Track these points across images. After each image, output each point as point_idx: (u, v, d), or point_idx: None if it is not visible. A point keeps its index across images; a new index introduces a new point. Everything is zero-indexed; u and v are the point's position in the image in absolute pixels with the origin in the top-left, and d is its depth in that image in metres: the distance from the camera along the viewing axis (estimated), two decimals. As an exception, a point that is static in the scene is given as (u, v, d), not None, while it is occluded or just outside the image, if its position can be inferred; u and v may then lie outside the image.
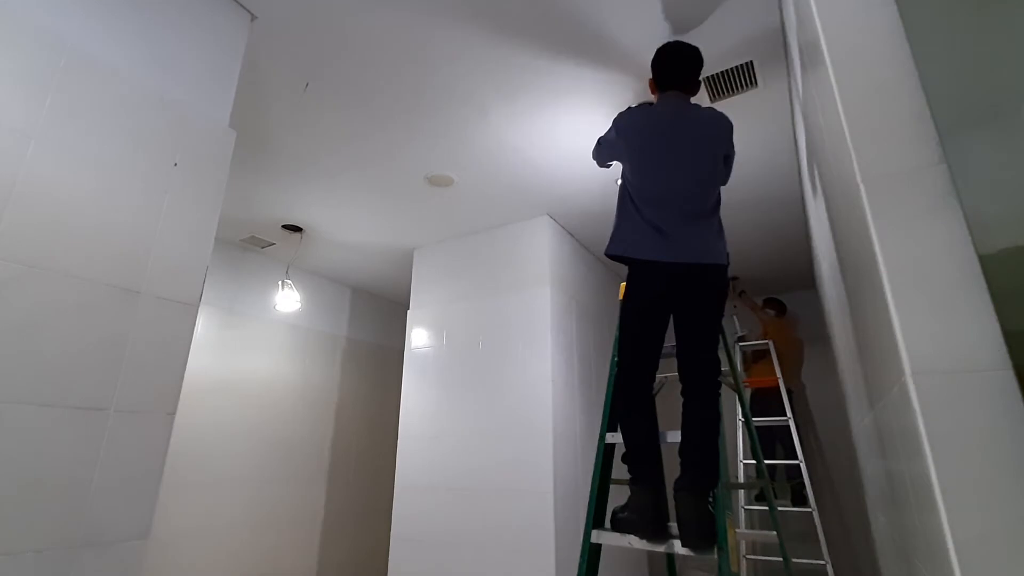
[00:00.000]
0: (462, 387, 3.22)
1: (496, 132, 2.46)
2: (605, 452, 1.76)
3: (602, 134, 1.91)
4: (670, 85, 1.74)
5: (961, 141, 0.76)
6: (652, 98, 1.84)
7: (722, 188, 1.74)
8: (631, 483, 1.58)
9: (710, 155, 1.67)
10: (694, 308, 1.62)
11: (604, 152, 1.91)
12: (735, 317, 4.51)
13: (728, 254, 1.65)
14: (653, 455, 1.58)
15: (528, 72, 2.08)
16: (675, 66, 1.74)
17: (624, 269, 1.72)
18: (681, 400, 1.61)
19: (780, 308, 4.20)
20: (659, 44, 1.93)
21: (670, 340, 1.69)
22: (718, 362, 1.62)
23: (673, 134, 1.67)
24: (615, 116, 1.81)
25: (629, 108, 1.81)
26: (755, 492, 3.88)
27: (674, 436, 1.61)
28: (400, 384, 3.52)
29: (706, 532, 1.42)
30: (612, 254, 1.69)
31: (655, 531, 1.50)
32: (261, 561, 3.57)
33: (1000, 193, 0.72)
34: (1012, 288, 0.68)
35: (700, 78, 1.79)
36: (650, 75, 1.79)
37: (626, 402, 1.66)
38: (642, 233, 1.63)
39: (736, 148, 2.57)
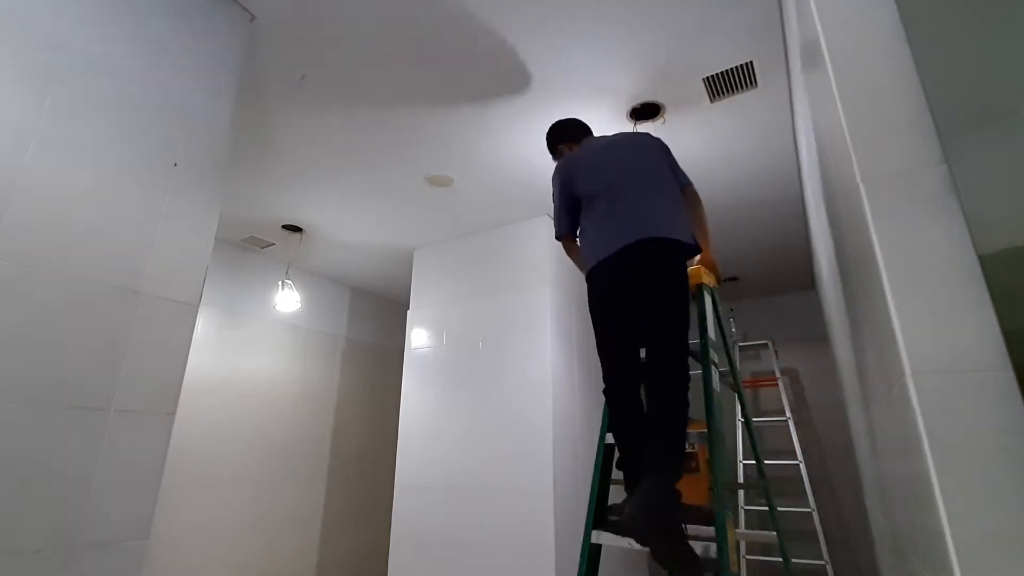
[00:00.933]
0: (462, 387, 3.22)
1: (497, 132, 2.46)
2: (605, 452, 1.76)
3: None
4: (580, 137, 1.93)
5: (961, 141, 0.76)
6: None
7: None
8: (626, 488, 1.57)
9: (647, 154, 1.73)
10: (643, 289, 1.57)
11: (558, 211, 1.85)
12: (732, 319, 4.51)
13: (690, 238, 1.61)
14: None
15: (529, 73, 2.08)
16: (576, 125, 1.96)
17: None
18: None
19: None
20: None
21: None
22: (680, 346, 1.54)
23: (604, 151, 1.77)
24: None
25: (560, 162, 1.89)
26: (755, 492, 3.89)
27: (692, 436, 1.59)
28: (400, 384, 3.52)
29: (649, 523, 1.29)
30: (588, 276, 1.69)
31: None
32: (261, 561, 3.57)
33: (1000, 193, 0.72)
34: (1012, 288, 0.68)
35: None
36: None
37: (613, 408, 1.65)
38: (589, 247, 1.67)
39: (736, 148, 2.59)
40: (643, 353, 1.65)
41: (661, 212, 1.60)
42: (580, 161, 1.79)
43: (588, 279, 1.68)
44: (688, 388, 1.52)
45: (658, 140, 1.81)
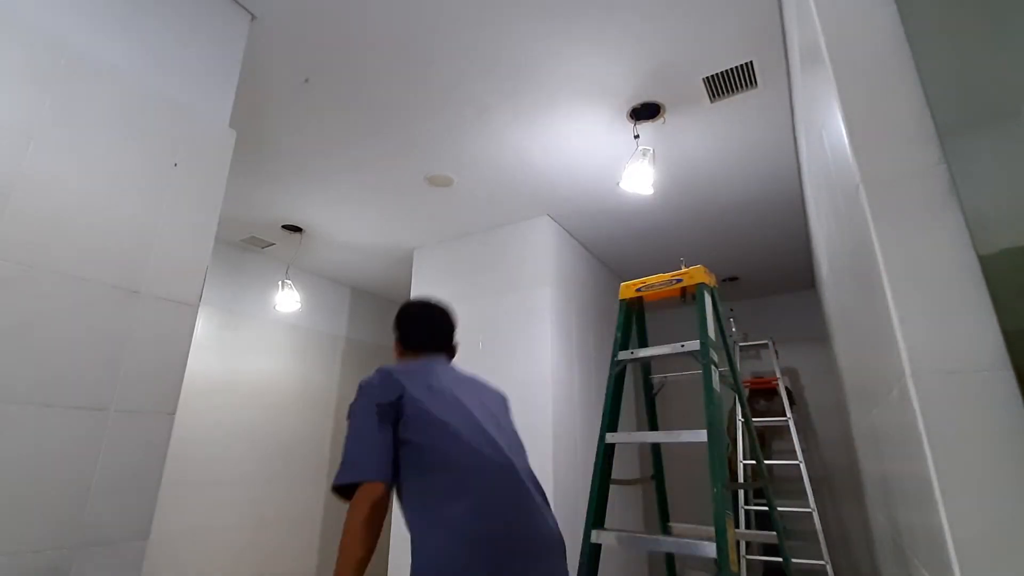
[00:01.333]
0: (462, 387, 3.22)
1: (496, 132, 2.46)
2: (605, 452, 1.76)
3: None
4: (425, 349, 1.47)
5: (961, 141, 0.76)
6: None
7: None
8: None
9: (509, 422, 1.45)
10: None
11: (367, 441, 1.21)
12: (732, 319, 4.51)
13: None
14: None
15: (529, 72, 2.08)
16: (433, 329, 1.50)
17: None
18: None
19: None
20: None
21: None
22: None
23: (463, 393, 1.36)
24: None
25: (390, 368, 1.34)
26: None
27: (692, 436, 1.58)
28: (400, 384, 3.51)
29: None
30: None
31: None
32: (261, 561, 3.57)
33: (1000, 193, 0.73)
34: (1012, 288, 0.68)
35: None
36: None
37: None
38: (472, 542, 1.13)
39: (736, 148, 2.59)
40: None
41: (551, 520, 1.26)
42: (427, 393, 1.29)
43: None
44: None
45: (506, 403, 1.51)
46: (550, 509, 1.29)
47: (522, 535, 1.17)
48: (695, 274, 1.95)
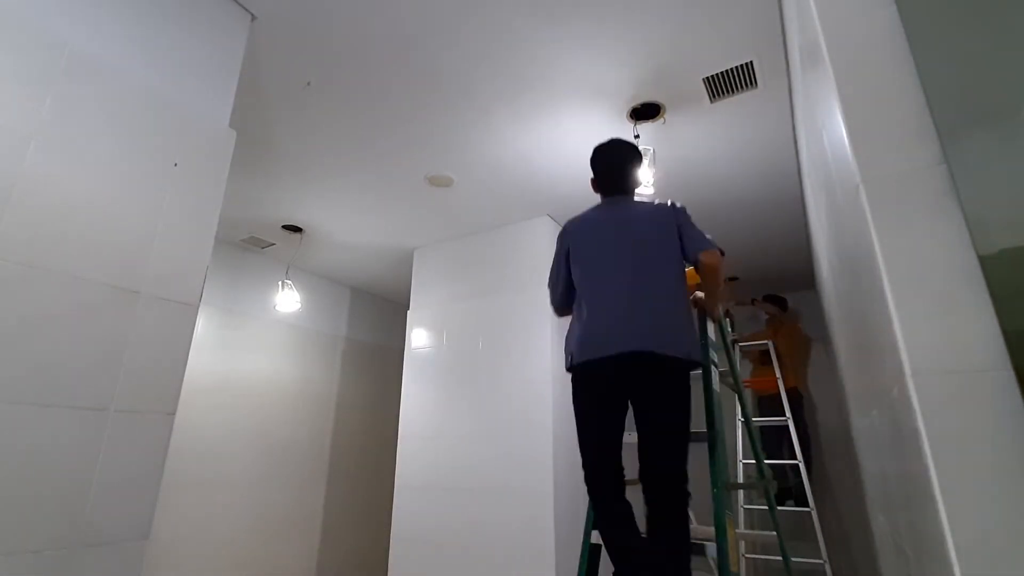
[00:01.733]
0: (462, 387, 3.22)
1: (496, 132, 2.46)
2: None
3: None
4: (609, 190, 1.75)
5: (961, 141, 0.76)
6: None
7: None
8: None
9: (659, 247, 1.60)
10: (645, 403, 1.49)
11: (554, 278, 1.77)
12: (728, 318, 4.50)
13: (696, 350, 1.53)
14: (638, 556, 1.44)
15: (529, 73, 2.08)
16: (612, 171, 1.74)
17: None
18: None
19: (782, 304, 4.18)
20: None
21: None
22: (681, 473, 1.46)
23: (616, 235, 1.63)
24: (559, 235, 1.78)
25: (569, 220, 1.77)
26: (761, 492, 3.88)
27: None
28: (400, 384, 3.51)
29: None
30: (568, 369, 1.60)
31: None
32: (261, 561, 3.57)
33: (1000, 193, 0.73)
34: (1012, 288, 0.68)
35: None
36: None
37: (597, 506, 1.54)
38: (583, 337, 1.55)
39: (736, 148, 2.58)
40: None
41: (670, 324, 1.49)
42: (585, 234, 1.68)
43: (576, 376, 1.57)
44: (688, 520, 1.45)
45: (672, 213, 1.64)
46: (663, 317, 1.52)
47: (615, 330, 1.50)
48: (695, 274, 1.95)
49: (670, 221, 1.63)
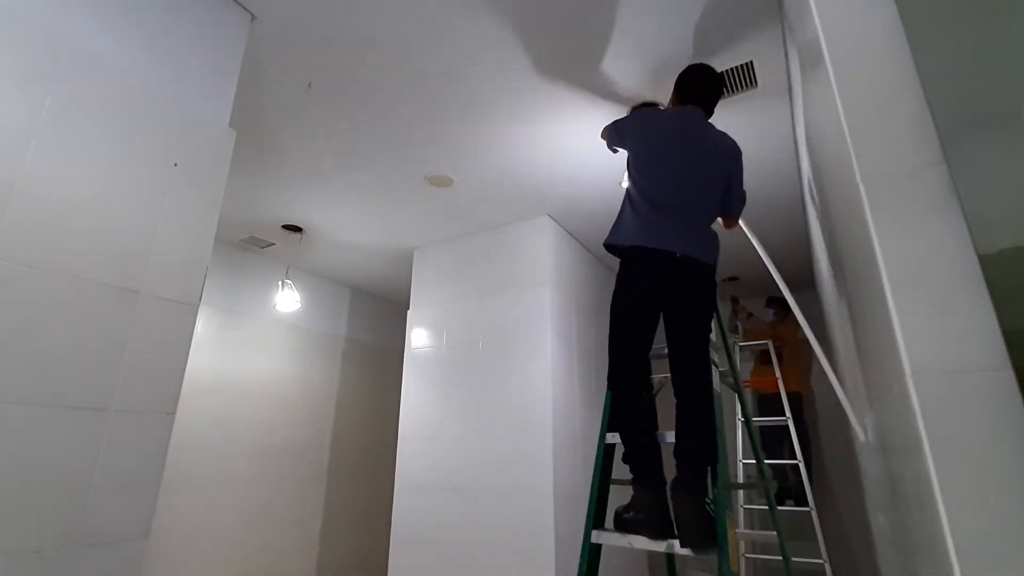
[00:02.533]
0: (462, 387, 3.22)
1: (496, 132, 2.46)
2: (605, 452, 1.76)
3: (619, 118, 1.97)
4: (691, 100, 1.82)
5: (961, 141, 0.76)
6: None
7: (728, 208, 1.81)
8: (633, 483, 1.59)
9: (715, 171, 1.74)
10: (681, 303, 1.64)
11: (616, 136, 1.92)
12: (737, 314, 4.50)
13: (717, 260, 1.70)
14: (653, 454, 1.59)
15: (529, 74, 2.08)
16: (702, 85, 1.82)
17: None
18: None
19: (786, 306, 4.17)
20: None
21: (662, 342, 1.69)
22: (707, 364, 1.63)
23: (684, 143, 1.73)
24: (636, 108, 1.94)
25: (649, 106, 1.91)
26: (759, 492, 3.88)
27: (672, 437, 1.60)
28: (400, 384, 3.51)
29: (705, 532, 1.42)
30: (608, 244, 1.75)
31: (662, 529, 1.51)
32: (260, 561, 3.57)
33: (1000, 193, 0.73)
34: (1012, 288, 0.68)
35: (717, 105, 1.87)
36: (671, 89, 1.87)
37: (621, 401, 1.67)
38: (636, 226, 1.69)
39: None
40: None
41: (706, 237, 1.68)
42: (664, 135, 1.77)
43: (626, 259, 1.71)
44: (713, 401, 1.59)
45: (736, 154, 1.80)
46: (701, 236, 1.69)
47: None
48: None
49: (734, 159, 1.79)
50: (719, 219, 1.90)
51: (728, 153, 1.77)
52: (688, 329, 1.64)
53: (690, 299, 1.64)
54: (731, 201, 1.82)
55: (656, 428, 1.64)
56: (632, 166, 1.80)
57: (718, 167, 1.75)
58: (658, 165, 1.73)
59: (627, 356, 1.68)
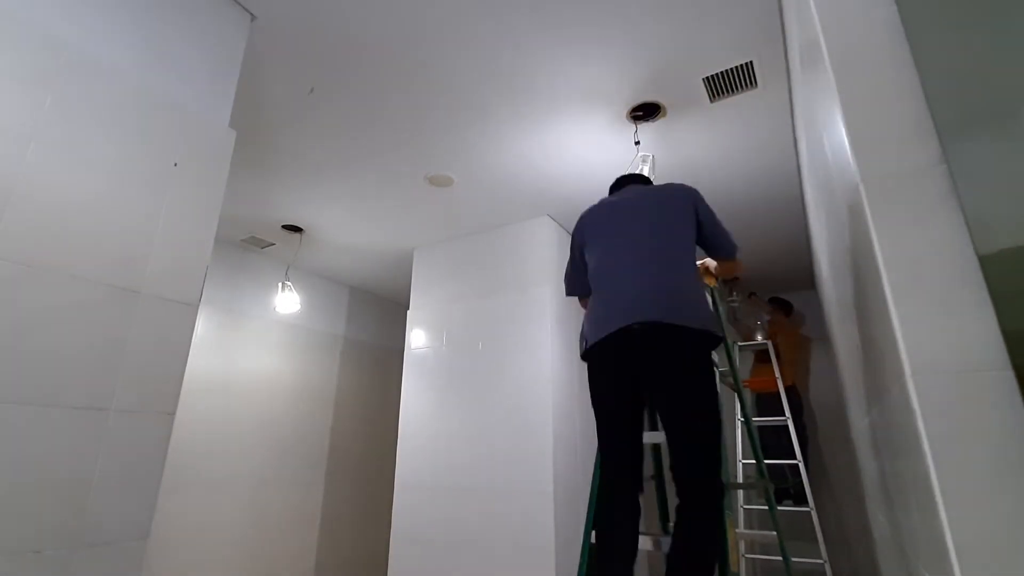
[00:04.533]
0: (462, 387, 3.22)
1: (496, 132, 2.46)
2: (602, 461, 1.75)
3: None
4: (621, 184, 1.84)
5: (961, 141, 0.76)
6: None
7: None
8: None
9: (668, 208, 1.61)
10: (660, 380, 1.42)
11: (569, 268, 1.82)
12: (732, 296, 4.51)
13: (710, 320, 1.46)
14: (625, 558, 1.40)
15: (529, 73, 2.08)
16: (628, 176, 1.86)
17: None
18: None
19: (786, 308, 4.20)
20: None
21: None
22: (710, 454, 1.36)
23: (631, 216, 1.64)
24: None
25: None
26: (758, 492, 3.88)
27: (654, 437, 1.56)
28: (399, 384, 3.51)
29: None
30: (583, 356, 1.62)
31: None
32: (260, 561, 3.57)
33: (1000, 193, 0.72)
34: (1012, 288, 0.68)
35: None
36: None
37: (605, 494, 1.50)
38: (591, 327, 1.55)
39: (736, 148, 2.58)
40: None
41: (673, 295, 1.44)
42: (599, 219, 1.69)
43: (589, 359, 1.57)
44: (720, 511, 1.35)
45: (689, 196, 1.62)
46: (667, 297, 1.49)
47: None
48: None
49: (688, 204, 1.61)
50: (712, 266, 1.74)
51: (679, 192, 1.64)
52: (676, 410, 1.40)
53: (670, 373, 1.40)
54: (711, 242, 1.63)
55: (637, 530, 1.46)
56: (590, 267, 1.68)
57: (670, 205, 1.60)
58: (602, 248, 1.62)
59: (605, 447, 1.54)
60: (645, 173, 2.25)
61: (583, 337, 1.61)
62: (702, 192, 1.69)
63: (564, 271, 1.88)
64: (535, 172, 2.78)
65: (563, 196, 3.03)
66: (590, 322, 1.58)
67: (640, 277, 1.49)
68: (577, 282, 1.78)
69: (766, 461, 3.77)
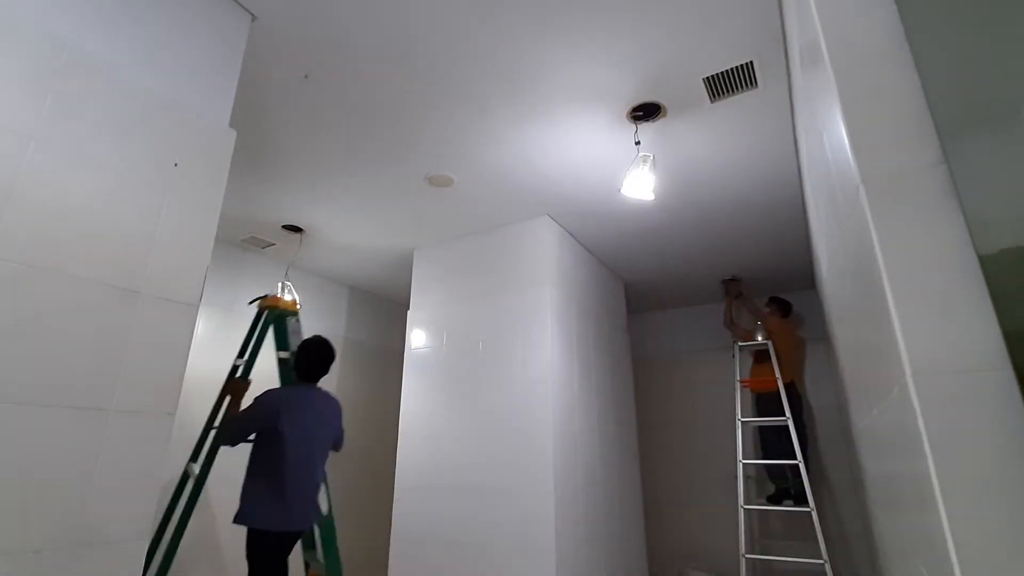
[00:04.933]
0: (462, 387, 3.22)
1: (496, 132, 2.46)
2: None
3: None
4: (312, 378, 2.51)
5: (961, 141, 0.76)
6: None
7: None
8: None
9: (329, 440, 2.47)
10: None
11: (249, 426, 2.43)
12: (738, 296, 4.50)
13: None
14: None
15: (529, 73, 2.08)
16: (322, 365, 2.53)
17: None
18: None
19: (784, 307, 4.20)
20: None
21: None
22: None
23: (319, 424, 2.40)
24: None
25: (280, 390, 2.54)
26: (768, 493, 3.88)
27: None
28: (399, 384, 3.51)
29: None
30: (257, 530, 2.34)
31: None
32: (261, 561, 3.56)
33: (1000, 193, 0.72)
34: (1012, 288, 0.68)
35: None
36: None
37: None
38: (281, 509, 2.26)
39: (736, 148, 2.59)
40: None
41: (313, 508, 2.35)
42: (299, 414, 2.31)
43: (260, 535, 2.20)
44: None
45: (339, 414, 2.52)
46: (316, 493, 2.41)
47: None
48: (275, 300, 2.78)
49: (337, 418, 2.50)
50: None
51: (338, 412, 2.65)
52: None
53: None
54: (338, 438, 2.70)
55: None
56: (280, 445, 2.35)
57: (333, 428, 2.58)
58: (298, 446, 2.37)
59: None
60: (645, 173, 2.26)
61: (260, 511, 2.31)
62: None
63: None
64: (535, 172, 2.78)
65: (563, 196, 3.03)
66: (278, 509, 2.32)
67: (311, 490, 2.52)
68: (246, 439, 2.49)
69: (766, 461, 3.78)
